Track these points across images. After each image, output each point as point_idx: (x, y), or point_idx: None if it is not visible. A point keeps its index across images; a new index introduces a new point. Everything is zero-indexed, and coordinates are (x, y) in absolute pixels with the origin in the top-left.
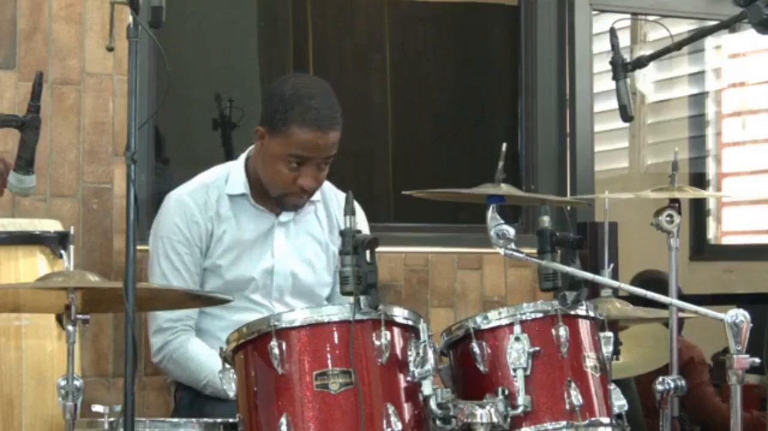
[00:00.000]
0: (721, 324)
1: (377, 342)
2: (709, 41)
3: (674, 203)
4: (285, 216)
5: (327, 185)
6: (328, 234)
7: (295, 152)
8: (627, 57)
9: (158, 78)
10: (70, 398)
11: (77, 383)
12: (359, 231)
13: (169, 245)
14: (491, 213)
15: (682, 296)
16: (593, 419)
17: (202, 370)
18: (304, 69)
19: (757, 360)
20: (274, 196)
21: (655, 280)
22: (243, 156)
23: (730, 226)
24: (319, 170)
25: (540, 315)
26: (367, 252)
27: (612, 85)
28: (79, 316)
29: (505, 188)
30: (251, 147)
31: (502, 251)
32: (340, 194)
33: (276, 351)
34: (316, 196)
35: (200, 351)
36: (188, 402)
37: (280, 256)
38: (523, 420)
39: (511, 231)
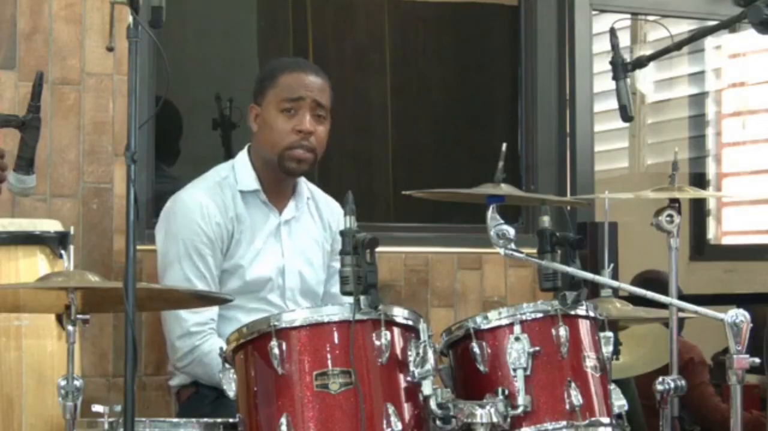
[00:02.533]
0: (721, 324)
1: (377, 342)
2: (709, 41)
3: (674, 203)
4: (287, 214)
5: (314, 187)
6: (322, 232)
7: (286, 95)
8: (627, 57)
9: (158, 78)
10: (70, 398)
11: (77, 383)
12: (359, 231)
13: (192, 246)
14: (491, 213)
15: (682, 296)
16: (593, 419)
17: None
18: None
19: (757, 360)
20: (277, 157)
21: (655, 280)
22: (243, 152)
23: (730, 226)
24: (314, 119)
25: (540, 315)
26: (367, 252)
27: (612, 85)
28: (79, 316)
29: (505, 188)
30: (247, 145)
31: (502, 251)
32: (327, 196)
33: (276, 351)
34: (307, 193)
35: None
36: (211, 401)
37: (288, 255)
38: (523, 420)
39: (511, 231)
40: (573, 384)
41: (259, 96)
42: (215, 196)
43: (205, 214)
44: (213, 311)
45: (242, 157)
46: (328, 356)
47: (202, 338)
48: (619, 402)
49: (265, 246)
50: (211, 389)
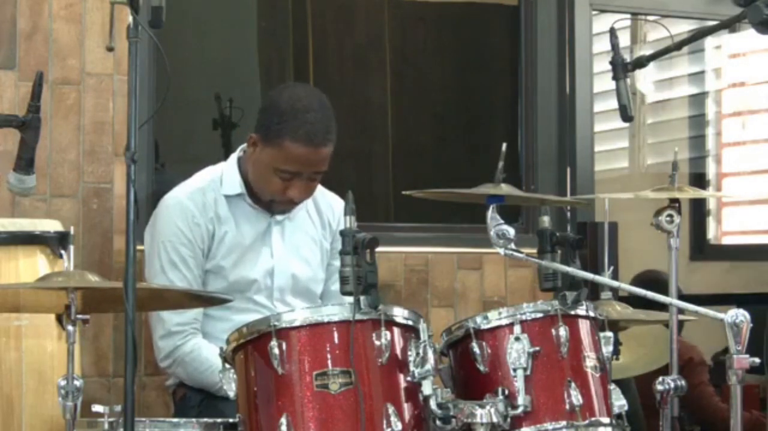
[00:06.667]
0: (721, 324)
1: (377, 342)
2: (709, 41)
3: (674, 203)
4: (280, 215)
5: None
6: (320, 231)
7: (285, 166)
8: (627, 57)
9: (158, 78)
10: (70, 398)
11: (77, 383)
12: (359, 231)
13: (171, 247)
14: (491, 213)
15: (682, 297)
16: (593, 419)
17: (217, 372)
18: (305, 69)
19: (757, 360)
20: (264, 200)
21: (655, 280)
22: (234, 156)
23: (730, 226)
24: (309, 182)
25: (540, 315)
26: (367, 252)
27: (612, 85)
28: (79, 316)
29: (505, 188)
30: (242, 146)
31: (502, 251)
32: (327, 193)
33: (276, 351)
34: None
35: (212, 353)
36: (197, 403)
37: (279, 256)
38: (523, 420)
39: (511, 231)
40: (573, 384)
41: (263, 137)
42: (196, 197)
43: (184, 215)
44: (196, 311)
45: (231, 163)
46: (328, 356)
47: (183, 338)
48: (619, 402)
49: (252, 247)
50: (197, 391)
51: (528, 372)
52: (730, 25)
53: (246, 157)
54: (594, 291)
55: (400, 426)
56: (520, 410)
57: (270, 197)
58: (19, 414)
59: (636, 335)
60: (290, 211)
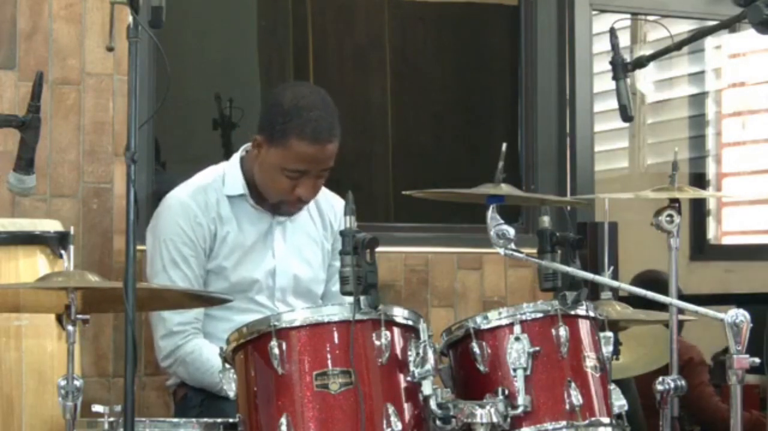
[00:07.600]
0: (721, 324)
1: (377, 342)
2: (709, 41)
3: (674, 203)
4: (286, 216)
5: None
6: (322, 231)
7: (293, 165)
8: (627, 57)
9: (158, 78)
10: (70, 398)
11: (77, 383)
12: (359, 231)
13: (173, 246)
14: (491, 213)
15: (682, 297)
16: (593, 419)
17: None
18: (305, 69)
19: (757, 360)
20: (271, 202)
21: (655, 280)
22: (236, 156)
23: (730, 226)
24: (316, 180)
25: (540, 315)
26: (367, 252)
27: (612, 85)
28: (79, 316)
29: (505, 188)
30: (244, 146)
31: (502, 251)
32: (329, 193)
33: (276, 351)
34: None
35: (213, 354)
36: (198, 403)
37: (280, 257)
38: (523, 420)
39: (511, 231)
40: (573, 384)
41: (268, 137)
42: (198, 197)
43: (186, 214)
44: (197, 311)
45: (234, 164)
46: (328, 356)
47: (184, 338)
48: (619, 402)
49: (254, 248)
50: (198, 391)
51: (528, 372)
52: (730, 25)
53: (250, 158)
54: (594, 291)
55: (400, 426)
56: (520, 410)
57: (278, 199)
58: (19, 414)
59: (636, 335)
60: (297, 212)
